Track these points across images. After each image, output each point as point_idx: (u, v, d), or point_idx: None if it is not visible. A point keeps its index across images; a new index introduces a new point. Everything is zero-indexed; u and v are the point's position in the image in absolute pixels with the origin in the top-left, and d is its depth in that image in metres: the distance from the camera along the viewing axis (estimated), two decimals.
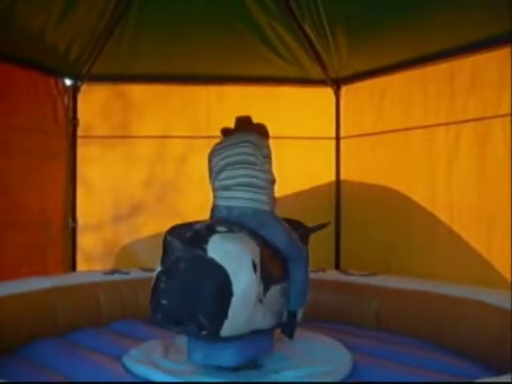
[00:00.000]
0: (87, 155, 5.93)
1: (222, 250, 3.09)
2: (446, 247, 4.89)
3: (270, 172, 3.62)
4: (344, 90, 6.02)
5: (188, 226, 3.23)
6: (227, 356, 3.31)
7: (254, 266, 3.16)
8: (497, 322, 3.70)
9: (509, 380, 2.37)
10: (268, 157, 3.63)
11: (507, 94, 4.37)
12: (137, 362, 3.60)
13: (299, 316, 3.67)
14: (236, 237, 3.21)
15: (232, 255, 3.09)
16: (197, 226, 3.20)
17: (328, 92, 6.04)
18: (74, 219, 5.87)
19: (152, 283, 3.19)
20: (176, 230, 3.22)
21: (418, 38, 4.87)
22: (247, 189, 3.44)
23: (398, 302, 4.54)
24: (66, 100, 5.84)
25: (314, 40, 5.51)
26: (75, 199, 5.90)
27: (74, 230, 5.86)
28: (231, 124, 3.85)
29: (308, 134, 5.98)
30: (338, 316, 4.76)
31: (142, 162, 5.99)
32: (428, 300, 4.33)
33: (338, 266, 5.85)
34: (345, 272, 5.28)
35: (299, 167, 5.90)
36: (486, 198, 4.57)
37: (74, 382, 3.39)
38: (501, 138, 4.42)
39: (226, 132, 3.83)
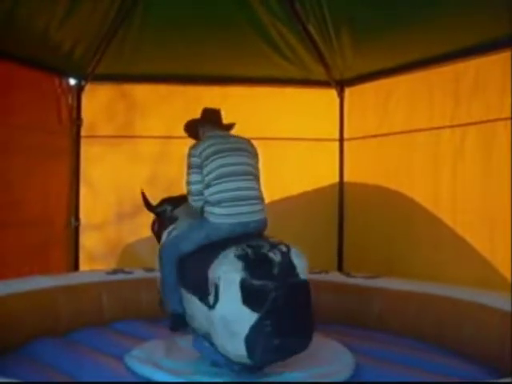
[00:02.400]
0: (91, 155, 5.94)
1: (304, 267, 3.21)
2: (449, 249, 4.88)
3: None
4: (348, 91, 6.01)
5: (260, 262, 3.10)
6: None
7: None
8: (498, 324, 3.69)
9: (510, 381, 2.37)
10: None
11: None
12: (139, 361, 3.61)
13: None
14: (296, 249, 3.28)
15: (305, 266, 3.26)
16: (273, 257, 3.10)
17: (332, 93, 6.04)
18: (77, 218, 5.87)
19: (245, 333, 3.04)
20: (258, 272, 3.07)
21: (422, 40, 4.86)
22: (260, 201, 3.49)
23: (400, 304, 4.53)
24: (69, 99, 5.85)
25: (319, 41, 5.52)
26: (78, 199, 5.91)
27: (76, 230, 5.88)
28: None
29: (311, 136, 5.98)
30: (340, 318, 4.75)
31: (146, 161, 6.00)
32: (430, 302, 4.32)
33: (340, 268, 5.85)
34: (347, 274, 5.27)
35: (302, 169, 5.91)
36: (490, 200, 4.56)
37: (77, 382, 3.39)
38: (505, 141, 4.41)
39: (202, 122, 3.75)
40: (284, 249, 3.17)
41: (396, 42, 5.03)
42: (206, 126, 3.72)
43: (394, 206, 5.42)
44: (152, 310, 3.89)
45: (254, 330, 3.02)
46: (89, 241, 5.93)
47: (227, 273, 3.10)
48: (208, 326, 3.27)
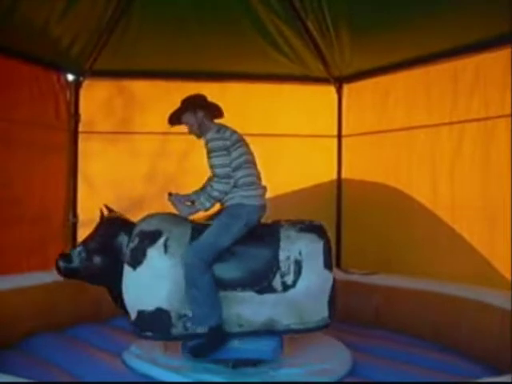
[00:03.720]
0: (89, 151, 5.92)
1: None
2: (447, 247, 4.88)
3: None
4: (346, 88, 6.00)
5: (318, 228, 3.61)
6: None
7: None
8: (497, 321, 3.70)
9: (509, 380, 2.38)
10: None
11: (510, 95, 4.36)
12: (136, 357, 3.62)
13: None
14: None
15: None
16: (318, 224, 3.66)
17: (330, 90, 6.03)
18: (75, 215, 5.86)
19: (328, 293, 3.47)
20: (326, 236, 3.59)
21: (421, 37, 4.85)
22: None
23: (399, 301, 4.54)
24: (68, 95, 5.83)
25: (317, 38, 5.51)
26: (76, 195, 5.89)
27: (74, 226, 5.86)
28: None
29: (310, 132, 5.97)
30: (337, 314, 4.75)
31: (144, 157, 5.98)
32: (428, 299, 4.34)
33: (338, 265, 5.85)
34: (345, 271, 5.28)
35: (300, 165, 5.89)
36: (489, 197, 4.56)
37: (80, 382, 3.39)
38: (504, 138, 4.41)
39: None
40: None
41: (395, 38, 5.02)
42: (208, 112, 3.73)
43: (392, 203, 5.41)
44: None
45: (333, 287, 3.47)
46: None
47: (310, 244, 3.45)
48: (273, 313, 3.37)
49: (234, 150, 3.50)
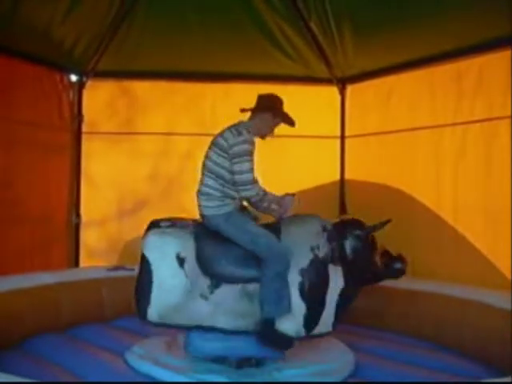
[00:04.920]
0: (92, 151, 5.93)
1: (148, 241, 3.53)
2: (450, 248, 4.87)
3: (242, 172, 3.47)
4: (349, 89, 6.00)
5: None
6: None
7: (181, 259, 3.41)
8: (499, 322, 3.69)
9: (510, 381, 2.37)
10: (244, 155, 3.50)
11: None
12: (139, 358, 3.61)
13: (285, 327, 3.35)
14: (167, 231, 3.53)
15: (154, 246, 3.50)
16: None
17: (333, 91, 6.03)
18: (78, 215, 5.87)
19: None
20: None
21: (424, 37, 4.84)
22: (202, 197, 3.58)
23: (401, 302, 4.53)
24: (71, 96, 5.85)
25: (320, 39, 5.51)
26: (79, 195, 5.90)
27: (77, 226, 5.87)
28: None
29: (313, 133, 5.96)
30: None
31: (147, 158, 5.99)
32: (431, 300, 4.32)
33: None
34: None
35: (304, 166, 5.88)
36: (492, 199, 4.55)
37: (82, 382, 3.39)
38: (507, 139, 4.40)
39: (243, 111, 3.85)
40: (163, 223, 3.60)
41: (398, 39, 5.02)
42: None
43: (394, 204, 5.40)
44: None
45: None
46: (89, 237, 5.92)
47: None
48: None
49: None
